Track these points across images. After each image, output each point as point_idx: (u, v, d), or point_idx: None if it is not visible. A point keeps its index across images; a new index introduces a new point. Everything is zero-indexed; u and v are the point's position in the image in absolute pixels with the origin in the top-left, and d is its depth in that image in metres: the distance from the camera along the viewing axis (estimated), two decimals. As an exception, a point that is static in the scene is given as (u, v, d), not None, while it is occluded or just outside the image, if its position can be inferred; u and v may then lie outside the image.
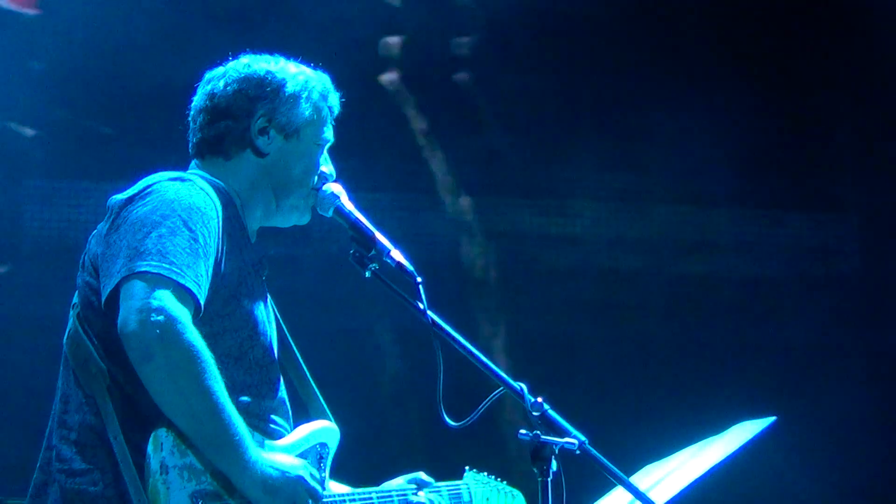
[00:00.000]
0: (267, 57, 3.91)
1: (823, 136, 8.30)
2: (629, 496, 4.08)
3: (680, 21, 8.14)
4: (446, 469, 4.40)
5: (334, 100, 3.95)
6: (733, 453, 4.70)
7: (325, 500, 3.71)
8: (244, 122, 3.80)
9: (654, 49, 8.03)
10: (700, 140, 8.08)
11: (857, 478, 7.94)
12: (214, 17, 7.15)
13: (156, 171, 3.69)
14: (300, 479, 3.51)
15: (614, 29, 8.08)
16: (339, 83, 3.99)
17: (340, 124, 3.99)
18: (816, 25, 8.24)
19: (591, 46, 8.05)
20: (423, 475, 4.14)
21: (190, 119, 3.90)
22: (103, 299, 3.45)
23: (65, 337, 3.60)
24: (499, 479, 4.53)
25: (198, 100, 3.88)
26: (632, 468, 4.73)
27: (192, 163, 3.88)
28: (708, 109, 8.06)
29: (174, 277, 3.37)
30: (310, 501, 3.50)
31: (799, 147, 8.31)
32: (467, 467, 4.45)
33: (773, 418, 4.85)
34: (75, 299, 3.63)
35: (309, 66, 3.95)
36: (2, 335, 7.32)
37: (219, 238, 3.57)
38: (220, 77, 3.86)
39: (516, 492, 4.54)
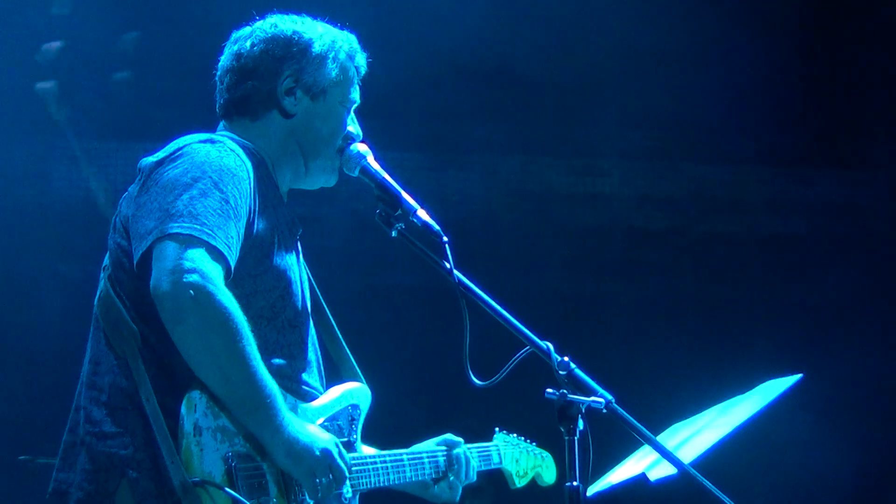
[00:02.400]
0: (294, 17, 3.85)
1: (853, 94, 8.24)
2: (656, 455, 4.09)
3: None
4: (477, 430, 4.41)
5: (361, 60, 3.90)
6: (760, 411, 4.69)
7: (356, 463, 3.71)
8: (271, 82, 3.76)
9: (682, 6, 7.97)
10: (728, 98, 8.03)
11: (882, 437, 7.94)
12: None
13: (184, 133, 3.68)
14: (327, 452, 3.47)
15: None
16: (365, 42, 3.96)
17: (367, 84, 3.96)
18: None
19: (619, 3, 8.00)
20: (452, 437, 4.15)
21: (217, 79, 3.86)
22: (135, 261, 3.44)
23: (95, 298, 3.58)
24: (529, 441, 4.54)
25: (225, 60, 3.85)
26: (658, 427, 4.73)
27: (220, 124, 3.85)
28: (737, 67, 8.01)
29: (206, 239, 3.35)
30: (330, 477, 3.46)
31: (828, 105, 8.25)
32: (497, 428, 4.46)
33: (799, 376, 4.84)
34: (106, 261, 3.61)
35: (336, 26, 3.92)
36: (31, 296, 7.36)
37: (251, 199, 3.54)
38: (246, 37, 3.82)
39: (546, 453, 4.56)
